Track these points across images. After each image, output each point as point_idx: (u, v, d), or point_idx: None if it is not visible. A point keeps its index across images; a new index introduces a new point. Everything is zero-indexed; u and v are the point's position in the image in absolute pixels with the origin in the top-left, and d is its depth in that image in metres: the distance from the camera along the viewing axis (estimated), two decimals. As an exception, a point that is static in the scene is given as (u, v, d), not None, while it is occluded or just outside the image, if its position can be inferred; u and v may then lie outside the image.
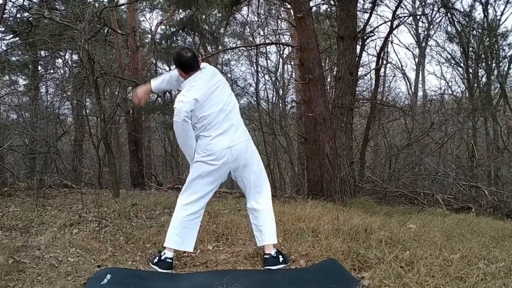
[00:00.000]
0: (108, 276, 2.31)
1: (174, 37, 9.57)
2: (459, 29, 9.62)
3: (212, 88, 2.57)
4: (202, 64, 2.65)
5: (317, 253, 2.79)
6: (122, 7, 10.34)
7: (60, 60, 11.42)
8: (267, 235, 2.68)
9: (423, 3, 10.30)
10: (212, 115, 2.53)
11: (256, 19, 10.78)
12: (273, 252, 2.66)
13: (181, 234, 2.61)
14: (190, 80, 2.58)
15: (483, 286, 2.12)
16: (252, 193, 2.73)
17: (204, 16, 9.04)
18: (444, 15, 9.37)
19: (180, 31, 9.09)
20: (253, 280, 2.38)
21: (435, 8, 9.80)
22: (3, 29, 8.55)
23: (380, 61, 8.74)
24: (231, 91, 2.72)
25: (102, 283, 2.24)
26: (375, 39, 10.49)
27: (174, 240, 2.60)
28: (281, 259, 2.66)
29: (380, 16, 18.99)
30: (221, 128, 2.55)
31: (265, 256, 2.67)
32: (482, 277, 2.23)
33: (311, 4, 7.07)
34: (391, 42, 11.66)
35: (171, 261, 2.61)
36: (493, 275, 2.26)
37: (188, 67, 2.58)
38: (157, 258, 2.65)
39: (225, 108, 2.58)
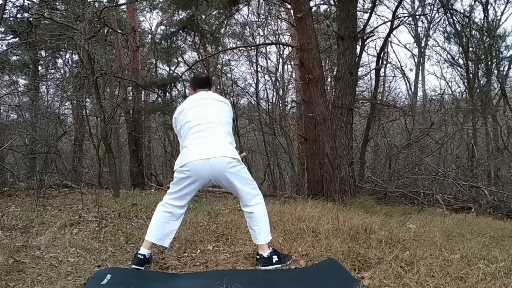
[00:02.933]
0: (108, 276, 2.31)
1: (174, 37, 9.57)
2: (459, 29, 9.63)
3: (199, 102, 2.68)
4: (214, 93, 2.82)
5: (317, 253, 2.79)
6: (122, 7, 10.35)
7: (60, 60, 11.44)
8: (257, 235, 2.67)
9: (423, 3, 10.31)
10: (190, 125, 2.58)
11: (256, 19, 10.80)
12: (265, 253, 2.65)
13: (161, 229, 2.62)
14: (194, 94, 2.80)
15: (483, 286, 2.12)
16: (241, 199, 2.71)
17: (204, 16, 9.05)
18: (443, 15, 9.38)
19: (180, 31, 9.09)
20: (253, 280, 2.38)
21: (435, 8, 9.81)
22: (3, 29, 8.56)
23: (380, 61, 8.75)
24: (227, 115, 2.69)
25: (102, 283, 2.24)
26: (375, 39, 10.52)
27: (154, 234, 2.61)
28: (275, 259, 2.64)
29: (380, 16, 19.05)
30: (202, 139, 2.54)
31: (256, 256, 2.69)
32: (482, 277, 2.23)
33: (311, 4, 7.08)
34: (391, 42, 11.67)
35: (142, 257, 2.58)
36: (493, 275, 2.26)
37: (196, 83, 2.86)
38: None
39: (204, 122, 2.58)
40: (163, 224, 2.62)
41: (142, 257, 2.58)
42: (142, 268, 2.56)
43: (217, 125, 2.60)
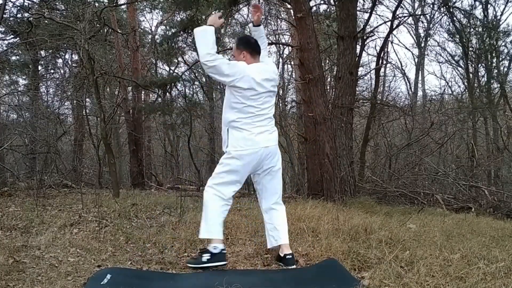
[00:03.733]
0: (108, 276, 2.31)
1: (175, 38, 9.56)
2: (460, 28, 9.62)
3: (267, 85, 2.65)
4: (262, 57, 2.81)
5: (317, 253, 2.79)
6: (122, 7, 10.35)
7: (60, 60, 11.45)
8: (284, 233, 2.73)
9: (423, 3, 10.31)
10: (253, 111, 2.62)
11: (256, 19, 10.75)
12: (290, 251, 2.70)
13: (221, 224, 2.66)
14: (259, 64, 2.68)
15: (483, 286, 2.12)
16: (270, 195, 2.79)
17: (204, 17, 9.05)
18: (444, 14, 9.38)
19: (181, 31, 9.09)
20: (253, 280, 2.38)
21: (435, 8, 9.81)
22: (3, 29, 8.56)
23: (380, 61, 8.74)
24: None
25: (102, 283, 2.24)
26: (375, 39, 10.52)
27: (219, 231, 2.62)
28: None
29: (380, 16, 19.03)
30: (262, 128, 2.66)
31: (288, 256, 2.67)
32: (482, 277, 2.23)
33: (311, 4, 7.07)
34: (391, 42, 11.67)
35: (225, 251, 2.65)
36: (493, 275, 2.26)
37: (252, 47, 2.72)
38: (209, 255, 2.58)
39: (268, 113, 2.70)
40: (222, 218, 2.65)
41: (225, 251, 2.64)
42: (226, 262, 2.62)
43: (272, 116, 2.75)
